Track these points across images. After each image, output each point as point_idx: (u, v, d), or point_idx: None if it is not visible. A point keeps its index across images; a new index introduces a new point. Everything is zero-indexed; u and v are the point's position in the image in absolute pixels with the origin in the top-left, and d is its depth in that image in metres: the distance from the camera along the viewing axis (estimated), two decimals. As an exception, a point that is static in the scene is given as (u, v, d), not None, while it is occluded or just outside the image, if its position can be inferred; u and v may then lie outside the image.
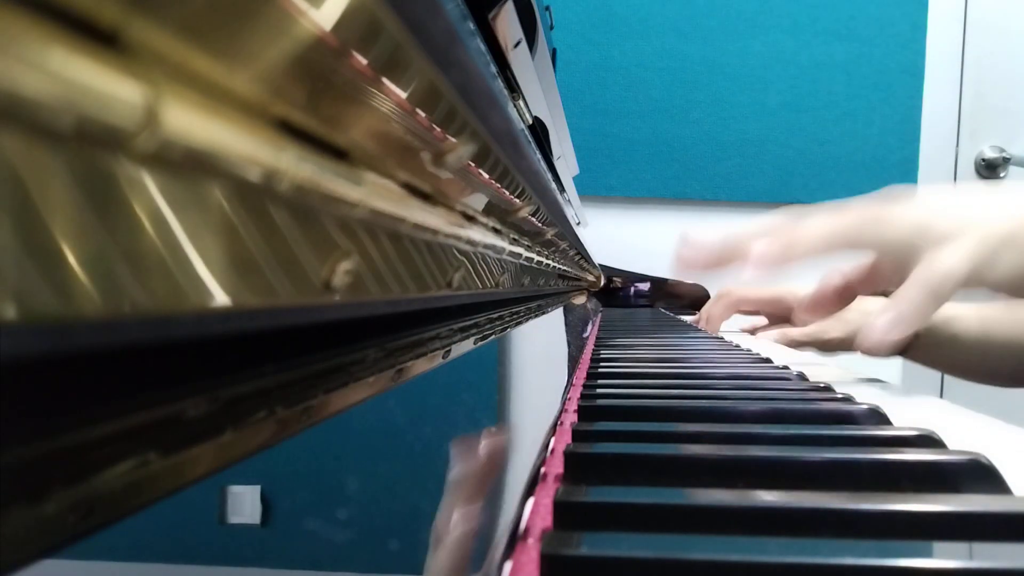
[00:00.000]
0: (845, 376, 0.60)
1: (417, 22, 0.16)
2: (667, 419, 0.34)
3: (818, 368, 0.64)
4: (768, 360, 0.58)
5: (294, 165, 0.13)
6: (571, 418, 0.35)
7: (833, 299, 0.61)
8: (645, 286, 1.69)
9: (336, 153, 0.15)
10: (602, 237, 1.78)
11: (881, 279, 0.59)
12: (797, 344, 0.72)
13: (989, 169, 1.86)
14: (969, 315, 0.72)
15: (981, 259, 0.48)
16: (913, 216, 0.51)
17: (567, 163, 1.06)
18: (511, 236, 0.41)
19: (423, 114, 0.19)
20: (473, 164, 0.26)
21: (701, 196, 1.85)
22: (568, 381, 0.45)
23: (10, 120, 0.07)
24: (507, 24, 0.40)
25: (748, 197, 1.85)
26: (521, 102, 0.42)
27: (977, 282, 0.49)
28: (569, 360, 0.55)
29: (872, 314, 0.50)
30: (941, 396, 0.97)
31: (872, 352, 0.52)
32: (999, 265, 0.49)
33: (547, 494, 0.23)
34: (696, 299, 1.64)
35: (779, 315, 0.90)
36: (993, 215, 0.50)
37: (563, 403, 0.38)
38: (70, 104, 0.08)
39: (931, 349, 0.72)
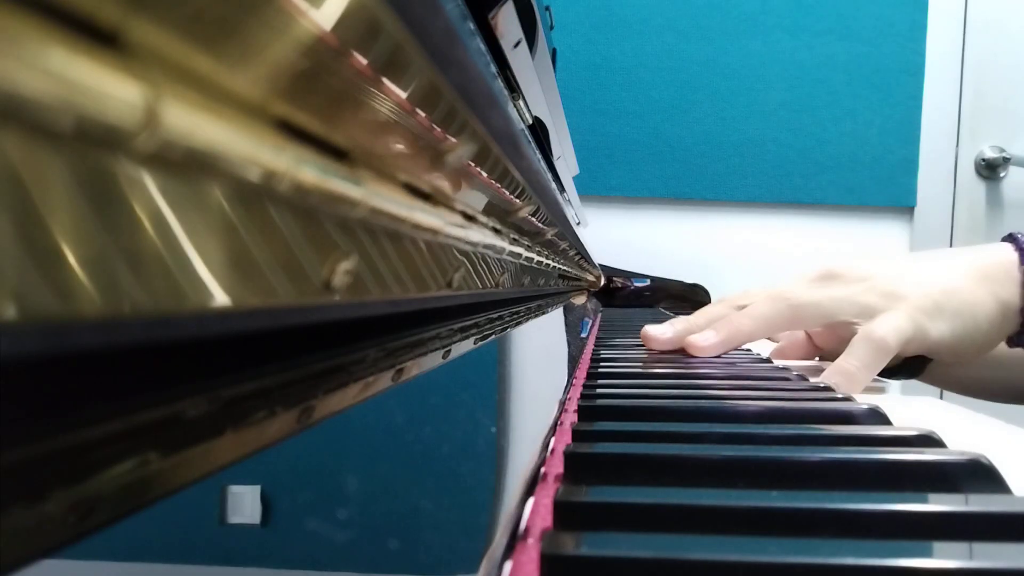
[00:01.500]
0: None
1: (417, 22, 0.16)
2: (667, 419, 0.34)
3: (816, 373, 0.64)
4: (768, 360, 0.58)
5: (294, 165, 0.13)
6: (571, 418, 0.35)
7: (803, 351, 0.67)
8: (645, 286, 1.69)
9: (336, 153, 0.15)
10: (602, 237, 1.78)
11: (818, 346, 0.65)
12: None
13: (989, 169, 1.86)
14: None
15: (916, 325, 0.53)
16: (850, 289, 0.55)
17: (567, 163, 1.06)
18: (511, 236, 0.41)
19: (423, 114, 0.19)
20: (473, 164, 0.26)
21: (701, 196, 1.85)
22: (568, 381, 0.45)
23: (10, 120, 0.07)
24: (507, 24, 0.40)
25: (748, 197, 1.85)
26: (521, 102, 0.42)
27: (916, 345, 0.53)
28: (569, 360, 0.55)
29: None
30: (941, 396, 0.97)
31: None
32: (934, 329, 0.53)
33: (547, 494, 0.23)
34: (696, 300, 1.64)
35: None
36: (928, 282, 0.55)
37: (563, 403, 0.38)
38: (70, 104, 0.08)
39: (953, 370, 0.73)
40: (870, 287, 0.55)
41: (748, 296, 0.63)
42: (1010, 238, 0.57)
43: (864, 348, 0.52)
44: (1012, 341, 0.57)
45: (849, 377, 0.51)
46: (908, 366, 0.69)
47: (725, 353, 0.60)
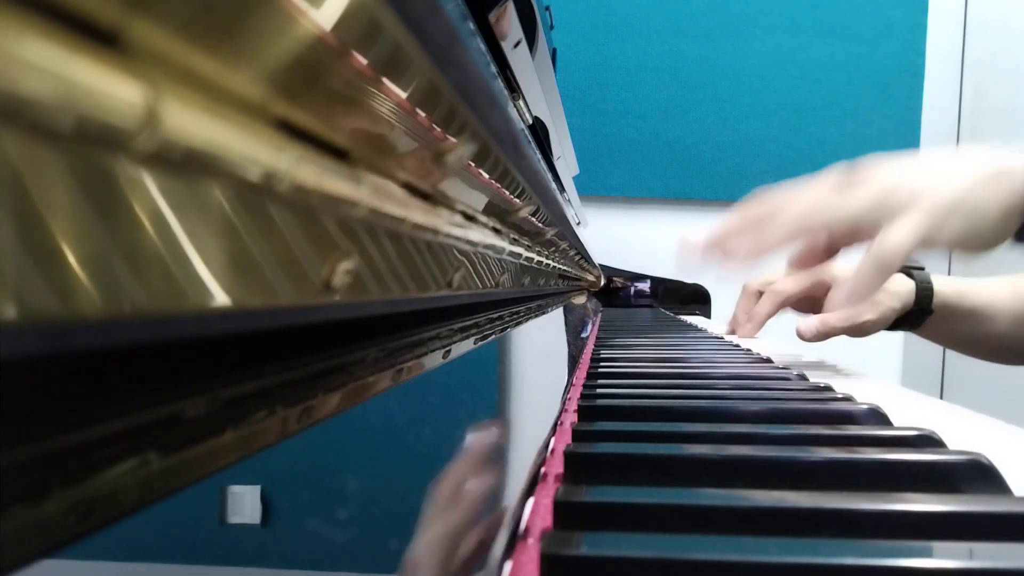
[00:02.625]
0: (845, 376, 0.60)
1: (417, 22, 0.16)
2: (667, 419, 0.34)
3: (818, 370, 0.64)
4: (768, 360, 0.58)
5: (294, 165, 0.13)
6: (571, 418, 0.35)
7: (821, 255, 0.68)
8: (645, 286, 1.69)
9: (336, 153, 0.15)
10: (602, 237, 1.78)
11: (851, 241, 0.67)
12: (836, 330, 0.75)
13: (989, 169, 1.85)
14: (991, 290, 0.80)
15: (929, 229, 0.56)
16: (870, 194, 0.58)
17: (567, 163, 1.06)
18: (511, 236, 0.41)
19: (423, 114, 0.19)
20: (473, 164, 0.26)
21: (701, 196, 1.85)
22: (568, 381, 0.45)
23: (10, 120, 0.07)
24: (507, 24, 0.40)
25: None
26: (521, 102, 0.42)
27: (928, 245, 0.57)
28: (569, 360, 0.55)
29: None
30: (941, 396, 0.97)
31: (842, 327, 0.63)
32: (946, 230, 0.56)
33: (547, 494, 0.23)
34: (696, 299, 1.64)
35: (811, 303, 0.89)
36: (942, 184, 0.57)
37: (563, 403, 0.38)
38: (70, 104, 0.08)
39: (946, 324, 0.79)
40: (895, 184, 0.58)
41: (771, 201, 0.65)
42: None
43: (872, 264, 0.56)
44: (1019, 236, 0.59)
45: (854, 291, 0.56)
46: (908, 318, 0.76)
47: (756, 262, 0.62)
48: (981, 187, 0.58)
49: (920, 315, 0.77)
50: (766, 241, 0.61)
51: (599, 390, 0.41)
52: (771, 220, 0.61)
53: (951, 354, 1.87)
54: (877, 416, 0.34)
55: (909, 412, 0.41)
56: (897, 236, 0.56)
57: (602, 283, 1.63)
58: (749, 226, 0.62)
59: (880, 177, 0.59)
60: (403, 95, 0.17)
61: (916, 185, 0.58)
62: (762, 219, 0.62)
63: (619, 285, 1.69)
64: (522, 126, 0.36)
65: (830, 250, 0.67)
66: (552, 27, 1.05)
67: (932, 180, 0.58)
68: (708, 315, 1.60)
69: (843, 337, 0.75)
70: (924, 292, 0.77)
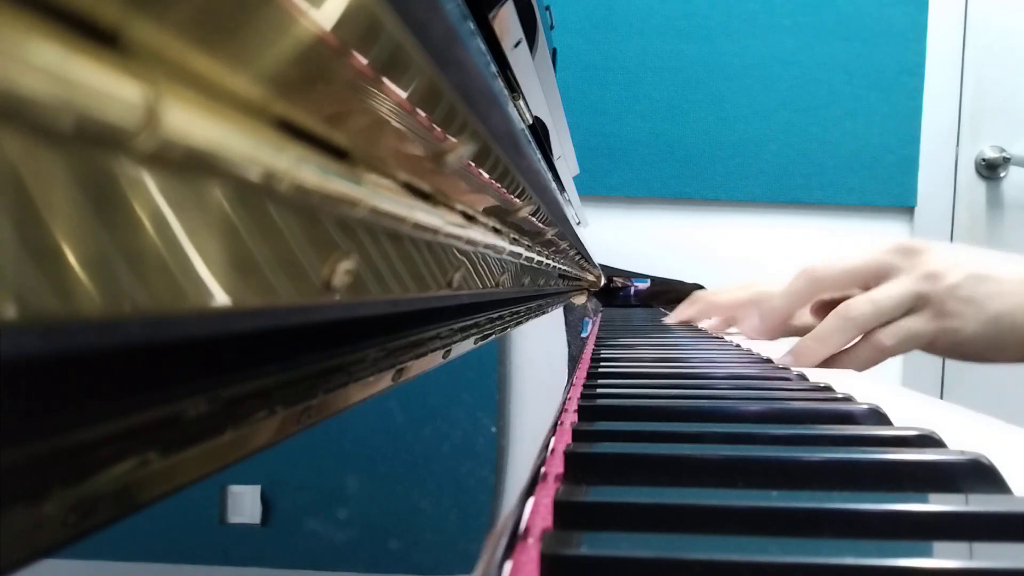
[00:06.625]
0: (845, 376, 0.60)
1: (417, 22, 0.16)
2: (667, 419, 0.34)
3: (818, 369, 0.64)
4: (768, 360, 0.58)
5: (294, 165, 0.13)
6: (571, 418, 0.35)
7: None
8: (645, 286, 1.69)
9: (336, 153, 0.15)
10: (602, 237, 1.78)
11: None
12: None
13: (989, 169, 1.86)
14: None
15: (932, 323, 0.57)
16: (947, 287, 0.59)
17: (567, 163, 1.06)
18: (511, 236, 0.41)
19: (423, 114, 0.19)
20: (473, 164, 0.26)
21: (701, 196, 1.85)
22: (568, 381, 0.45)
23: (10, 120, 0.07)
24: (507, 24, 0.40)
25: (748, 197, 1.85)
26: (521, 102, 0.42)
27: (942, 344, 0.58)
28: (569, 360, 0.55)
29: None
30: (941, 396, 0.97)
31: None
32: (955, 324, 0.57)
33: (547, 494, 0.23)
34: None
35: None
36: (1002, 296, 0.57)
37: (563, 403, 0.38)
38: (70, 104, 0.08)
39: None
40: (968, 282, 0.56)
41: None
42: None
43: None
44: None
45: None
46: None
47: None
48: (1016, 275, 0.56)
49: None
50: (818, 356, 0.61)
51: (599, 390, 0.41)
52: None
53: (951, 354, 1.87)
54: (877, 416, 0.34)
55: (909, 412, 0.41)
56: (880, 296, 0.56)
57: (602, 283, 1.63)
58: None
59: (937, 267, 0.57)
60: (403, 95, 0.17)
61: (972, 291, 0.55)
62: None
63: (619, 285, 1.69)
64: (522, 126, 0.36)
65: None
66: (552, 27, 1.05)
67: (986, 289, 0.56)
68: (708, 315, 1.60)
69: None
70: None
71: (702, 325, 1.02)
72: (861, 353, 0.59)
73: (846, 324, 0.58)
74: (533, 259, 0.51)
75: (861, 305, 0.58)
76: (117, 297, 0.09)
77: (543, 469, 0.27)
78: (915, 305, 0.57)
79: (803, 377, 0.47)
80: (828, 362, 0.61)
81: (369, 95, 0.16)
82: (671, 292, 1.68)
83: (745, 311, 0.88)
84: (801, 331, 0.68)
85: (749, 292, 0.90)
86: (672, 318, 1.04)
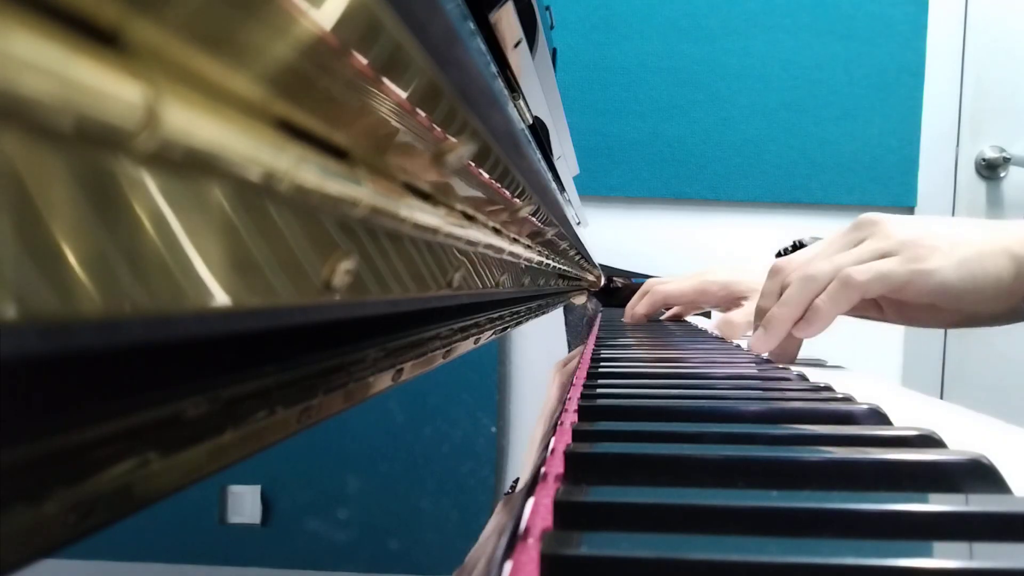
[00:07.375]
0: (845, 376, 0.60)
1: (417, 22, 0.16)
2: (667, 419, 0.34)
3: (818, 369, 0.64)
4: (768, 360, 0.58)
5: (294, 165, 0.13)
6: (571, 418, 0.35)
7: None
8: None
9: (336, 153, 0.15)
10: (602, 237, 1.78)
11: None
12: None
13: (989, 169, 1.86)
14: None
15: (907, 274, 0.57)
16: (887, 246, 0.60)
17: (567, 163, 1.06)
18: (511, 236, 0.41)
19: (423, 114, 0.19)
20: (473, 164, 0.26)
21: (701, 196, 1.85)
22: (568, 381, 0.45)
23: (10, 120, 0.07)
24: (507, 24, 0.40)
25: (748, 197, 1.85)
26: (521, 102, 0.42)
27: (914, 291, 0.58)
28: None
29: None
30: (941, 396, 0.97)
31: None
32: (933, 275, 0.57)
33: (547, 494, 0.23)
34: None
35: (700, 305, 0.96)
36: (957, 245, 0.58)
37: (563, 403, 0.38)
38: (70, 104, 0.08)
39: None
40: (911, 241, 0.58)
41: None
42: None
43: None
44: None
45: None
46: None
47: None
48: (985, 236, 0.57)
49: None
50: (787, 319, 0.60)
51: (599, 390, 0.41)
52: (787, 291, 0.61)
53: (951, 354, 1.87)
54: (877, 416, 0.34)
55: (909, 412, 0.41)
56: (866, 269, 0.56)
57: (602, 283, 1.63)
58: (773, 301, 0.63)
59: (897, 231, 0.58)
60: (403, 95, 0.17)
61: (935, 241, 0.57)
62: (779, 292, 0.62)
63: (619, 285, 1.69)
64: (522, 126, 0.36)
65: None
66: (552, 27, 1.05)
67: (948, 239, 0.57)
68: (708, 315, 1.60)
69: (843, 337, 0.75)
70: None
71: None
72: (831, 290, 0.58)
73: (808, 283, 0.58)
74: (533, 259, 0.51)
75: (820, 263, 0.58)
76: (117, 297, 0.09)
77: (543, 469, 0.27)
78: (882, 256, 0.58)
79: (803, 377, 0.47)
80: (801, 324, 0.60)
81: (369, 95, 0.16)
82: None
83: (699, 300, 0.90)
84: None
85: (697, 280, 0.96)
86: (627, 313, 1.07)
